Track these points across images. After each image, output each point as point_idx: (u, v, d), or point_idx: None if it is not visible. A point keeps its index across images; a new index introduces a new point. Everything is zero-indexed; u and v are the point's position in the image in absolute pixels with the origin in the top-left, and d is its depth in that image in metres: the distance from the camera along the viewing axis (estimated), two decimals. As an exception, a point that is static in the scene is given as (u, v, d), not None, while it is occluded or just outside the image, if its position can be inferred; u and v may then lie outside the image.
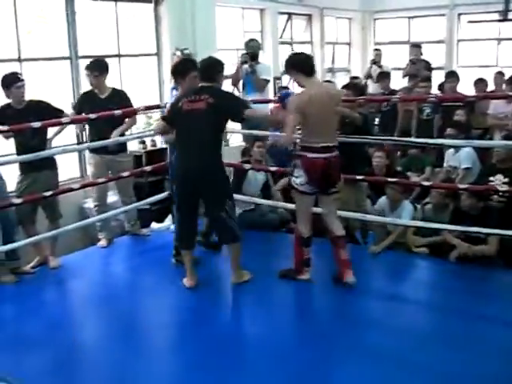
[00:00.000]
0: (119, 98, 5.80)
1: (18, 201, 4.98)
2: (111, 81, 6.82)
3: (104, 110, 5.43)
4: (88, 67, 5.73)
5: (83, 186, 5.86)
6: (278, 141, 5.28)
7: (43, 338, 3.98)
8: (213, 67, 4.63)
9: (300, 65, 4.51)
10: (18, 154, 5.19)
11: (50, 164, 5.34)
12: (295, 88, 4.77)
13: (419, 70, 9.49)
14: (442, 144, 6.37)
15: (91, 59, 5.93)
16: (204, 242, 5.43)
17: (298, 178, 4.46)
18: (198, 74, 4.70)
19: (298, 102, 4.41)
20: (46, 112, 5.26)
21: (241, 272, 4.71)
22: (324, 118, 4.39)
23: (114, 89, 5.82)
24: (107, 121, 5.47)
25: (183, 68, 4.86)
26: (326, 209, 4.66)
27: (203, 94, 4.42)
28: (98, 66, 5.73)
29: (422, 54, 10.11)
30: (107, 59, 6.94)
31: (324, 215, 4.67)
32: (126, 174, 5.96)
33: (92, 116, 5.27)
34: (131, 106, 5.90)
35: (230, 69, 8.43)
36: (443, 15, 11.95)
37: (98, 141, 5.53)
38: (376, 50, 10.94)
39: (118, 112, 5.63)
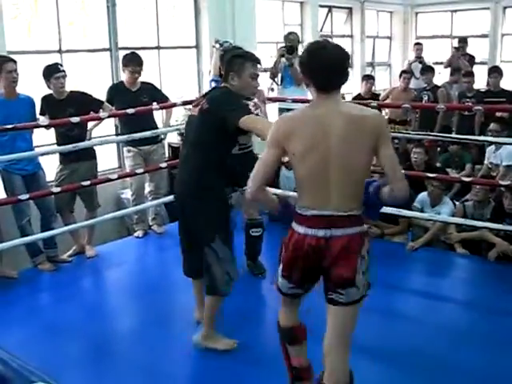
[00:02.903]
0: (150, 90, 5.86)
1: (57, 190, 5.05)
2: (151, 73, 6.88)
3: (136, 103, 5.47)
4: (137, 62, 5.75)
5: (121, 177, 5.91)
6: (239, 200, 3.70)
7: (79, 325, 4.03)
8: (228, 63, 3.53)
9: (308, 68, 2.61)
10: (58, 144, 5.26)
11: (89, 155, 5.39)
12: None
13: (460, 59, 9.41)
14: (483, 140, 6.27)
15: (131, 52, 5.93)
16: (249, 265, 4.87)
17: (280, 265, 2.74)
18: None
19: (277, 127, 2.62)
20: (87, 103, 5.33)
21: (209, 335, 3.62)
22: (330, 165, 2.49)
23: (142, 82, 5.86)
24: (140, 114, 5.49)
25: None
26: (328, 330, 2.63)
27: (204, 98, 3.56)
28: (141, 61, 5.78)
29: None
30: (147, 51, 7.03)
31: (324, 340, 2.65)
32: (163, 165, 6.01)
33: (131, 111, 5.30)
34: (165, 97, 5.94)
35: (268, 62, 8.47)
36: (487, 8, 11.69)
37: (132, 133, 5.55)
38: (417, 44, 10.80)
39: (155, 107, 5.67)
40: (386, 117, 8.96)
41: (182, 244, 3.79)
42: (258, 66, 3.55)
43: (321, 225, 2.52)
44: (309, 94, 8.46)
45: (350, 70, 2.66)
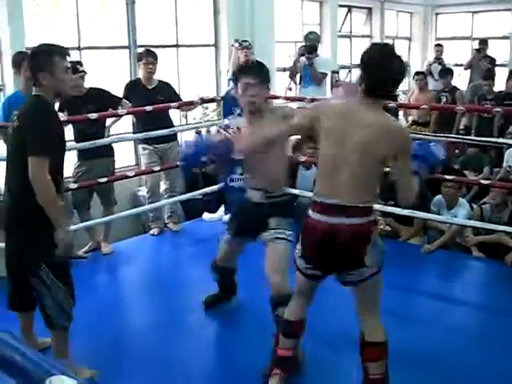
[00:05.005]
0: (166, 89, 5.86)
1: (74, 186, 5.07)
2: (169, 70, 6.91)
3: (152, 101, 5.47)
4: (152, 56, 5.76)
5: (137, 174, 5.93)
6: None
7: (93, 321, 4.03)
8: (33, 64, 3.10)
9: (363, 69, 2.82)
10: (76, 141, 5.28)
11: (107, 151, 5.41)
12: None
13: (480, 61, 9.37)
14: (502, 143, 6.21)
15: (145, 48, 5.98)
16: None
17: (298, 245, 2.95)
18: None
19: (320, 104, 3.03)
20: (106, 100, 5.35)
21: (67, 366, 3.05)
22: (346, 157, 2.70)
23: (160, 81, 5.87)
24: (156, 112, 5.49)
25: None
26: (355, 302, 2.95)
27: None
28: (156, 56, 5.77)
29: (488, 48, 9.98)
30: (165, 49, 7.05)
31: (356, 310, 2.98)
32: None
33: (149, 108, 5.31)
34: (179, 98, 5.94)
35: (286, 61, 8.48)
36: (509, 10, 11.58)
37: (147, 131, 5.56)
38: (438, 45, 10.74)
39: (173, 104, 5.67)
40: (410, 118, 8.92)
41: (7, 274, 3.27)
42: (67, 57, 3.13)
43: (332, 212, 2.72)
44: (328, 94, 8.46)
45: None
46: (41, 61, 3.03)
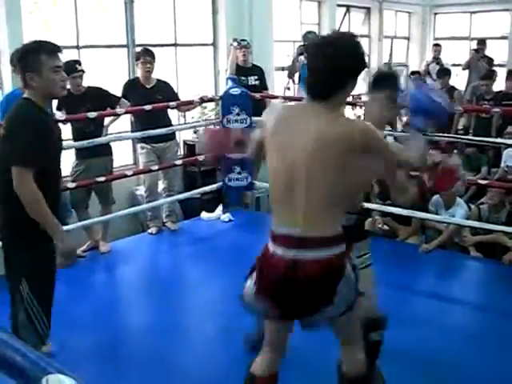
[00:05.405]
0: (165, 88, 5.87)
1: (73, 185, 5.07)
2: (167, 69, 6.90)
3: (150, 100, 5.48)
4: (150, 55, 5.75)
5: (136, 173, 5.93)
6: None
7: (91, 320, 4.05)
8: (20, 63, 2.89)
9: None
10: (74, 139, 5.28)
11: (105, 150, 5.41)
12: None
13: (479, 61, 9.38)
14: (500, 143, 6.23)
15: (143, 47, 6.00)
16: None
17: (249, 281, 2.40)
18: None
19: (266, 112, 2.52)
20: (104, 99, 5.36)
21: None
22: (296, 175, 2.22)
23: (158, 80, 5.87)
24: (155, 111, 5.51)
25: None
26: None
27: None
28: (153, 55, 5.77)
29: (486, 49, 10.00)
30: (164, 48, 7.04)
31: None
32: (178, 162, 6.03)
33: (148, 107, 5.31)
34: (177, 97, 5.95)
35: (285, 61, 8.48)
36: (507, 10, 11.58)
37: (145, 130, 5.57)
38: (436, 45, 10.74)
39: (172, 104, 5.67)
40: (405, 118, 8.89)
41: None
42: (59, 54, 2.90)
43: (288, 244, 2.22)
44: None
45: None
46: (28, 61, 2.82)
